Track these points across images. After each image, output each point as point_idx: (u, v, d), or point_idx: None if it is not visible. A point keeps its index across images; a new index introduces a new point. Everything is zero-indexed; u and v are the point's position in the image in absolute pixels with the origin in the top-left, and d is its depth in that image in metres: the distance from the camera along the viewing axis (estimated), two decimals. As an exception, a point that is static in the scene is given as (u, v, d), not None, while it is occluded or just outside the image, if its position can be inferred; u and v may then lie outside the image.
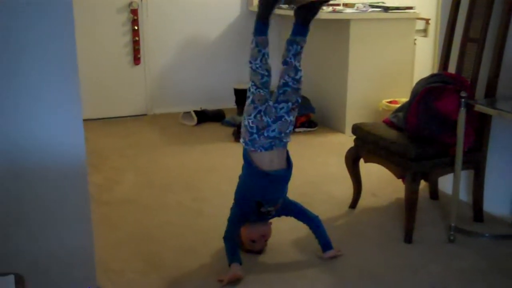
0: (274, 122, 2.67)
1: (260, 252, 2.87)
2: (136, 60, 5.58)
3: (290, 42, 2.72)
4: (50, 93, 2.12)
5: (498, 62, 3.03)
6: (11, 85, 2.05)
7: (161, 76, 5.76)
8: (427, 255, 2.87)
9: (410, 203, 2.96)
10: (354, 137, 3.33)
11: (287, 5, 5.14)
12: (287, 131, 2.70)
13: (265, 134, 2.66)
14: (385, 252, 2.92)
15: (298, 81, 2.72)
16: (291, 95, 2.71)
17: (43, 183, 2.18)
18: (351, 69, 4.90)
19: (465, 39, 3.18)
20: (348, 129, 4.31)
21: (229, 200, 2.87)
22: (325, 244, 2.82)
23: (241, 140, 2.72)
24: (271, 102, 2.69)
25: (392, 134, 3.12)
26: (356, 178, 3.39)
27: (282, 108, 2.69)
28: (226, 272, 2.62)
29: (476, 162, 3.12)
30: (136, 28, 5.50)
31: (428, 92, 2.98)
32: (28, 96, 2.08)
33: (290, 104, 2.70)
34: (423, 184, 3.11)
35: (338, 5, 5.18)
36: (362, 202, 3.45)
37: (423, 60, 5.38)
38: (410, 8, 5.01)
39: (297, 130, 4.82)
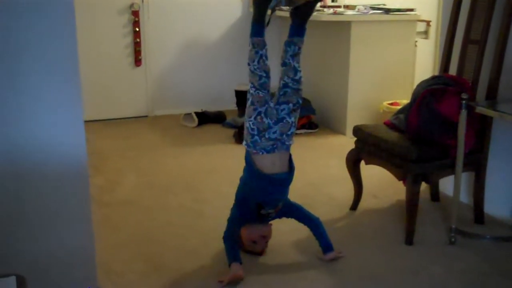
0: (275, 123, 2.68)
1: (260, 253, 2.87)
2: (137, 61, 5.59)
3: (288, 43, 2.73)
4: (51, 94, 2.12)
5: (499, 64, 3.03)
6: (12, 86, 2.06)
7: (162, 78, 5.76)
8: (427, 257, 2.87)
9: (411, 205, 2.96)
10: (355, 139, 3.33)
11: (288, 7, 5.15)
12: (289, 132, 2.70)
13: (267, 136, 2.66)
14: (385, 254, 2.91)
15: (298, 81, 2.72)
16: (292, 96, 2.71)
17: (44, 184, 2.18)
18: (352, 71, 4.90)
19: (466, 41, 3.18)
20: (349, 130, 4.32)
21: (230, 202, 2.88)
22: (326, 246, 2.82)
23: (243, 142, 2.73)
24: (272, 103, 2.69)
25: (393, 136, 3.12)
26: (357, 180, 3.39)
27: (283, 109, 2.70)
28: (227, 274, 2.62)
29: (477, 164, 3.12)
30: (137, 29, 5.50)
31: (429, 94, 2.98)
32: (29, 97, 2.09)
33: (291, 105, 2.70)
34: (424, 186, 3.11)
35: (339, 7, 5.19)
36: (363, 204, 3.45)
37: (424, 62, 5.39)
38: (411, 10, 5.01)
39: (297, 131, 4.82)
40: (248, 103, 2.69)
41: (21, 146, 2.11)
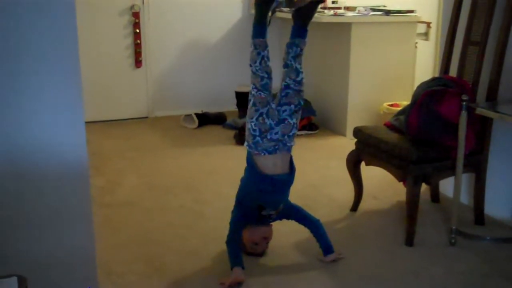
0: (277, 124, 2.68)
1: (261, 254, 2.87)
2: (138, 62, 5.59)
3: (290, 45, 2.74)
4: (52, 95, 2.12)
5: (499, 65, 3.03)
6: (13, 87, 2.06)
7: (163, 79, 5.77)
8: (428, 258, 2.88)
9: (411, 206, 2.96)
10: (355, 140, 3.34)
11: (288, 9, 5.15)
12: (290, 133, 2.71)
13: (268, 137, 2.66)
14: (386, 255, 2.92)
15: (300, 83, 2.73)
16: (293, 97, 2.71)
17: (45, 184, 2.18)
18: (352, 72, 4.91)
19: (466, 42, 3.18)
20: (349, 132, 4.32)
21: (230, 203, 2.88)
22: (326, 248, 2.82)
23: (245, 143, 2.73)
24: (273, 104, 2.70)
25: (393, 137, 3.12)
26: (357, 181, 3.39)
27: (285, 110, 2.70)
28: (228, 275, 2.62)
29: (477, 165, 3.13)
30: (137, 31, 5.51)
31: (430, 96, 2.98)
32: (30, 97, 2.09)
33: (292, 106, 2.71)
34: (424, 187, 3.11)
35: (339, 8, 5.19)
36: (363, 205, 3.46)
37: (424, 64, 5.39)
38: (411, 11, 5.02)
39: (298, 133, 4.77)
40: (250, 104, 2.70)
41: (22, 146, 2.11)
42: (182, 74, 5.81)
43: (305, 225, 2.87)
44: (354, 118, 4.88)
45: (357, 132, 3.31)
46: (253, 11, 5.99)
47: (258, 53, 2.69)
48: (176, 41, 5.73)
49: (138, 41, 5.53)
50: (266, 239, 2.85)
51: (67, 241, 2.27)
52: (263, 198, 2.72)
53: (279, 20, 5.46)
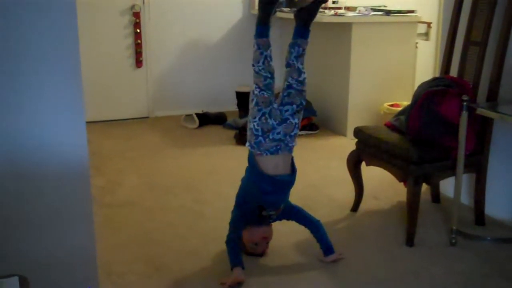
0: (279, 124, 2.68)
1: (261, 254, 2.87)
2: (138, 62, 5.60)
3: (292, 45, 2.74)
4: (52, 95, 2.12)
5: (500, 65, 3.03)
6: (13, 87, 2.06)
7: (163, 79, 5.77)
8: (428, 258, 2.88)
9: (412, 206, 2.96)
10: (356, 140, 3.34)
11: (289, 9, 5.16)
12: (292, 133, 2.71)
13: (271, 137, 2.67)
14: (386, 255, 2.92)
15: (302, 82, 2.73)
16: (295, 97, 2.71)
17: (45, 184, 2.18)
18: (353, 72, 4.91)
19: (467, 42, 3.18)
20: (350, 132, 4.32)
21: (231, 203, 2.88)
22: (327, 248, 2.82)
23: (247, 143, 2.73)
24: (276, 104, 2.70)
25: (393, 137, 3.12)
26: (357, 181, 3.39)
27: (287, 110, 2.70)
28: (228, 275, 2.62)
29: (477, 165, 3.13)
30: (138, 31, 5.51)
31: (430, 96, 2.98)
32: (30, 98, 2.09)
33: (294, 106, 2.71)
34: (424, 187, 3.11)
35: (340, 8, 5.19)
36: (364, 205, 3.46)
37: (425, 64, 5.39)
38: (412, 11, 5.02)
39: (298, 133, 4.82)
40: (253, 104, 2.70)
41: (23, 146, 2.11)
42: (183, 74, 5.82)
43: (305, 225, 2.87)
44: (355, 118, 4.89)
45: (358, 132, 3.31)
46: (253, 11, 6.02)
47: (261, 53, 2.69)
48: (177, 41, 5.73)
49: (139, 41, 5.54)
50: (266, 239, 2.85)
51: (67, 241, 2.27)
52: (263, 199, 2.72)
53: (280, 20, 5.47)
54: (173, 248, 2.98)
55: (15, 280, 1.52)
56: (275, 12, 2.79)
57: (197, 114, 5.40)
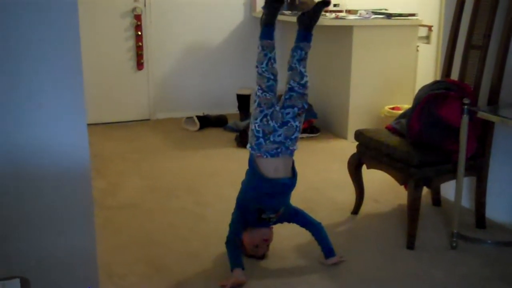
0: (280, 127, 2.69)
1: (262, 257, 2.87)
2: (139, 65, 5.60)
3: (295, 49, 2.76)
4: (54, 96, 2.12)
5: (501, 69, 3.04)
6: (15, 89, 2.06)
7: (164, 81, 5.78)
8: (429, 262, 2.88)
9: (413, 209, 2.96)
10: (357, 143, 3.34)
11: (290, 11, 5.17)
12: (293, 136, 2.71)
13: (271, 139, 2.67)
14: (387, 258, 2.92)
15: (304, 86, 2.74)
16: (297, 100, 2.72)
17: (46, 186, 2.18)
18: (353, 76, 4.91)
19: (468, 46, 3.19)
20: (351, 135, 4.32)
21: (231, 205, 2.88)
22: (328, 251, 2.83)
23: (248, 145, 2.74)
24: (278, 107, 2.71)
25: (394, 140, 3.13)
26: (358, 184, 3.39)
27: (288, 113, 2.71)
28: (228, 277, 2.63)
29: (478, 168, 3.13)
30: (139, 33, 5.52)
31: (431, 99, 2.99)
32: (32, 99, 2.09)
33: (296, 109, 2.71)
34: (425, 190, 3.11)
35: (341, 11, 5.20)
36: (365, 208, 3.46)
37: (426, 67, 5.39)
38: (413, 15, 5.03)
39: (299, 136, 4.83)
40: (255, 105, 2.71)
41: (24, 148, 2.11)
42: (184, 76, 5.82)
43: (306, 228, 2.88)
44: (356, 121, 4.89)
45: (359, 135, 3.31)
46: (254, 14, 6.03)
47: (265, 55, 2.71)
48: (178, 43, 5.74)
49: (140, 44, 5.54)
50: (267, 241, 2.85)
51: (68, 243, 2.27)
52: (263, 202, 2.72)
53: (281, 23, 5.46)
54: (174, 250, 2.98)
55: (16, 282, 1.52)
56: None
57: (198, 117, 5.40)
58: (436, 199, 3.56)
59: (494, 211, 3.29)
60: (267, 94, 2.69)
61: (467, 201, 3.43)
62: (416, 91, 3.27)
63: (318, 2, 2.82)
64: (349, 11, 5.22)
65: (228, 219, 2.84)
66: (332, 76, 5.18)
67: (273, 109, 2.69)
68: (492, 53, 3.09)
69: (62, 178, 2.20)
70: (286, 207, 2.82)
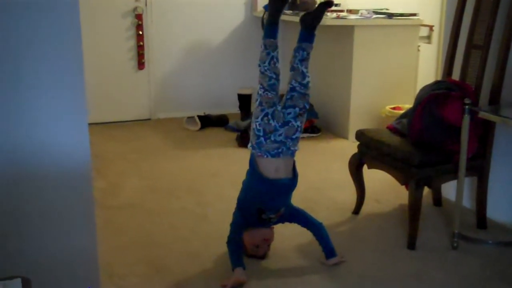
0: (281, 126, 2.68)
1: (263, 257, 2.87)
2: (140, 65, 5.60)
3: (297, 49, 2.76)
4: (55, 97, 2.12)
5: (502, 69, 3.04)
6: (16, 89, 2.06)
7: (165, 81, 5.78)
8: (430, 262, 2.87)
9: (414, 209, 2.96)
10: (358, 143, 3.34)
11: (291, 11, 5.16)
12: (294, 136, 2.71)
13: (272, 138, 2.67)
14: (388, 258, 2.92)
15: (305, 86, 2.74)
16: (298, 100, 2.72)
17: (47, 186, 2.18)
18: (354, 75, 4.91)
19: (469, 46, 3.19)
20: (352, 135, 4.32)
21: (232, 205, 2.88)
22: (329, 251, 2.82)
23: (249, 144, 2.74)
24: (279, 107, 2.71)
25: (395, 140, 3.12)
26: (359, 184, 3.39)
27: (290, 113, 2.71)
28: (229, 277, 2.63)
29: (479, 169, 3.12)
30: (140, 33, 5.51)
31: (432, 99, 2.98)
32: (33, 99, 2.09)
33: (297, 109, 2.71)
34: (426, 190, 3.11)
35: (342, 11, 5.20)
36: (366, 208, 3.46)
37: (427, 67, 5.39)
38: (414, 14, 5.02)
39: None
40: (256, 104, 2.72)
41: (25, 148, 2.11)
42: (185, 76, 5.82)
43: (307, 228, 2.87)
44: (356, 121, 4.88)
45: (360, 135, 3.31)
46: (255, 14, 6.02)
47: (268, 53, 2.71)
48: (179, 43, 5.74)
49: (141, 43, 5.54)
50: (267, 241, 2.85)
51: (69, 243, 2.27)
52: (263, 202, 2.72)
53: (282, 23, 5.45)
54: (174, 250, 2.98)
55: (18, 282, 1.53)
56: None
57: (199, 116, 5.40)
58: (437, 199, 3.56)
59: (495, 212, 3.29)
60: (269, 93, 2.69)
61: (468, 201, 3.42)
62: (417, 91, 3.27)
63: (321, 3, 2.83)
64: (350, 11, 5.22)
65: (229, 219, 2.84)
66: (333, 76, 5.17)
67: (275, 108, 2.69)
68: (493, 53, 3.08)
69: (63, 178, 2.20)
70: (287, 207, 2.82)
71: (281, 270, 2.81)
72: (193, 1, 5.68)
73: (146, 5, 5.52)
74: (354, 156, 3.36)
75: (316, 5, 2.79)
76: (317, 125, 5.18)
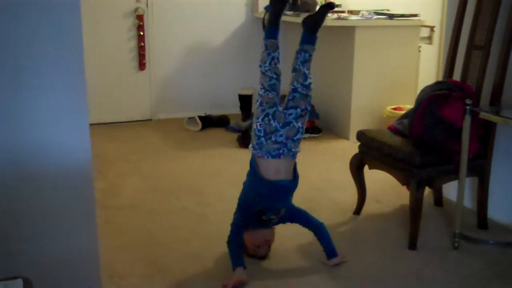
0: (282, 127, 2.69)
1: (264, 257, 2.87)
2: (141, 65, 5.60)
3: (299, 51, 2.77)
4: (56, 97, 2.12)
5: (503, 69, 3.03)
6: (17, 90, 2.06)
7: (166, 82, 5.78)
8: (431, 262, 2.87)
9: (415, 209, 2.96)
10: (359, 143, 3.34)
11: (292, 12, 5.16)
12: (295, 137, 2.71)
13: (273, 139, 2.67)
14: (389, 259, 2.91)
15: (307, 87, 2.74)
16: (300, 101, 2.72)
17: (48, 186, 2.18)
18: (355, 76, 4.91)
19: (470, 46, 3.18)
20: (353, 135, 4.32)
21: (233, 205, 2.88)
22: (330, 251, 2.82)
23: (250, 145, 2.74)
24: (280, 107, 2.71)
25: (396, 141, 3.12)
26: (360, 185, 3.39)
27: (291, 114, 2.71)
28: (230, 277, 2.63)
29: (480, 169, 3.12)
30: (141, 33, 5.52)
31: (433, 100, 2.98)
32: (34, 99, 2.09)
33: (299, 110, 2.72)
34: (427, 190, 3.11)
35: (343, 12, 5.20)
36: (367, 209, 3.46)
37: (428, 67, 5.39)
38: (415, 15, 5.02)
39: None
40: (257, 104, 2.72)
41: (26, 148, 2.11)
42: (186, 76, 5.82)
43: (309, 228, 2.87)
44: (357, 121, 4.88)
45: (361, 135, 3.31)
46: (256, 15, 6.02)
47: (269, 54, 2.72)
48: (180, 43, 5.74)
49: (142, 44, 5.54)
50: (268, 241, 2.85)
51: (70, 243, 2.27)
52: (263, 203, 2.72)
53: (282, 24, 5.45)
54: (175, 250, 2.98)
55: (19, 282, 1.53)
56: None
57: (200, 117, 5.40)
58: (438, 200, 3.56)
59: (496, 212, 3.29)
60: (269, 93, 2.69)
61: (469, 202, 3.42)
62: (418, 91, 3.27)
63: (323, 5, 2.84)
64: (351, 12, 5.22)
65: (229, 219, 2.84)
66: (334, 77, 5.18)
67: (275, 108, 2.69)
68: (494, 54, 3.08)
69: (63, 178, 2.20)
70: (288, 208, 2.82)
71: (282, 270, 2.81)
72: (194, 2, 5.69)
73: (147, 6, 5.52)
74: (355, 156, 3.36)
75: (318, 7, 2.80)
76: (318, 126, 5.18)
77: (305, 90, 2.73)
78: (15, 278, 1.54)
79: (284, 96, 2.76)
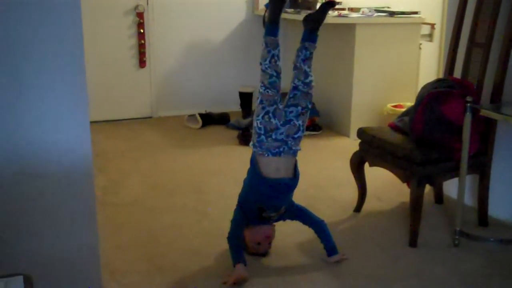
0: (283, 125, 2.69)
1: (264, 254, 2.87)
2: (142, 63, 5.60)
3: (300, 49, 2.78)
4: (57, 95, 2.13)
5: (504, 67, 3.03)
6: (18, 88, 2.07)
7: (167, 79, 5.78)
8: (431, 259, 2.88)
9: (415, 207, 2.96)
10: (359, 141, 3.34)
11: (292, 9, 5.16)
12: (295, 136, 2.71)
13: (273, 137, 2.67)
14: (389, 256, 2.92)
15: (308, 85, 2.74)
16: (301, 99, 2.72)
17: (49, 184, 2.19)
18: (356, 73, 4.91)
19: (471, 44, 3.18)
20: (353, 133, 4.32)
21: (234, 203, 2.88)
22: (331, 249, 2.83)
23: (250, 142, 2.74)
24: (281, 105, 2.71)
25: (397, 138, 3.12)
26: (361, 182, 3.39)
27: (292, 112, 2.71)
28: (231, 273, 2.63)
29: (481, 166, 3.12)
30: (142, 31, 5.51)
31: (434, 97, 2.98)
32: (35, 97, 2.10)
33: (299, 108, 2.72)
34: (428, 188, 3.11)
35: (343, 9, 5.19)
36: (367, 206, 3.46)
37: (428, 65, 5.39)
38: (416, 13, 5.02)
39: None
40: (257, 102, 2.72)
41: (27, 146, 2.12)
42: (186, 74, 5.82)
43: (309, 225, 2.88)
44: (358, 119, 4.88)
45: (361, 133, 3.31)
46: (257, 12, 6.02)
47: (269, 51, 2.71)
48: (180, 41, 5.74)
49: (142, 41, 5.54)
50: (269, 238, 2.85)
51: (71, 240, 2.27)
52: (263, 201, 2.72)
53: (283, 21, 5.45)
54: (176, 248, 2.98)
55: (19, 279, 1.53)
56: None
57: (200, 114, 5.41)
58: (439, 197, 3.56)
59: (497, 209, 3.29)
60: (270, 91, 2.69)
61: (469, 199, 3.42)
62: (419, 89, 3.27)
63: (324, 3, 2.84)
64: (351, 9, 5.21)
65: (230, 216, 2.85)
66: (335, 74, 5.17)
67: (276, 106, 2.69)
68: (495, 51, 3.08)
69: (64, 176, 2.20)
70: (288, 205, 2.82)
71: (283, 267, 2.81)
72: (195, -1, 5.69)
73: (147, 3, 5.52)
74: (355, 154, 3.36)
75: (318, 5, 2.80)
76: (318, 123, 5.18)
77: (306, 88, 2.73)
78: (15, 275, 1.54)
79: (285, 94, 2.76)
